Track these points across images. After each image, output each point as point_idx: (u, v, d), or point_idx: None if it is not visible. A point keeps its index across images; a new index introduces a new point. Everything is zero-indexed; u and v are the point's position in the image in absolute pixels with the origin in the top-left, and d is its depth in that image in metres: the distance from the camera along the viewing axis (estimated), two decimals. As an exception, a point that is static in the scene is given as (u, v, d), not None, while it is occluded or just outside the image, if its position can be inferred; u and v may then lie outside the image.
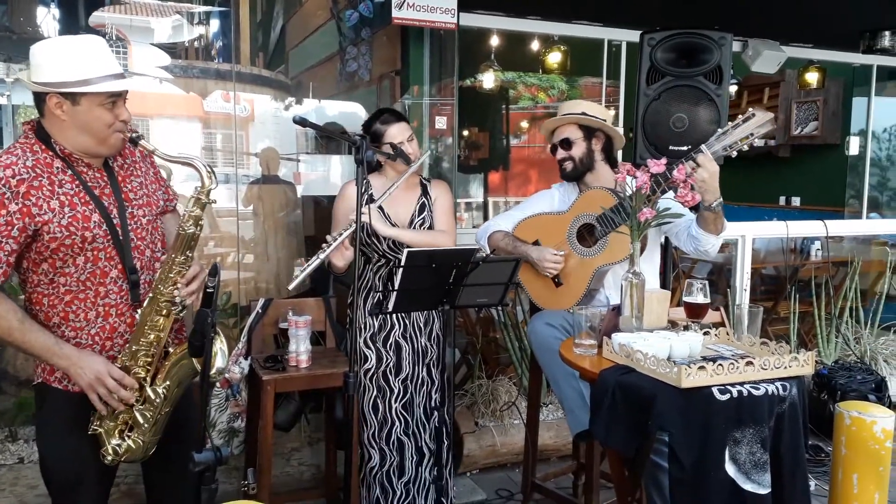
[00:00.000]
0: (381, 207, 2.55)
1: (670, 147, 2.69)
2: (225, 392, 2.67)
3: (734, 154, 2.16)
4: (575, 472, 2.90)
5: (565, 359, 1.98)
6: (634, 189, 1.94)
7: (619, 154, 3.66)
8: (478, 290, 2.22)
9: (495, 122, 6.69)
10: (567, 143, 2.56)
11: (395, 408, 2.57)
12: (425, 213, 2.58)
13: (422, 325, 2.60)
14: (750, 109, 2.14)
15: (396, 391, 2.58)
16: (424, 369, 2.60)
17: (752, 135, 2.11)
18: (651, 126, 2.81)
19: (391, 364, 2.57)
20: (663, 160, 1.98)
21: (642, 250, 2.35)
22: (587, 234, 2.47)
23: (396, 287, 2.11)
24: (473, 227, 7.28)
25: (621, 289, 2.00)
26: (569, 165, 2.56)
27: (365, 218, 2.33)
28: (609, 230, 2.37)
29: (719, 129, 2.16)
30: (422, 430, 2.60)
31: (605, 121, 2.55)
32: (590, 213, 2.44)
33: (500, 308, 3.43)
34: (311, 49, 4.34)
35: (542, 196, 2.75)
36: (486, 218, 7.00)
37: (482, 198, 7.08)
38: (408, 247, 2.43)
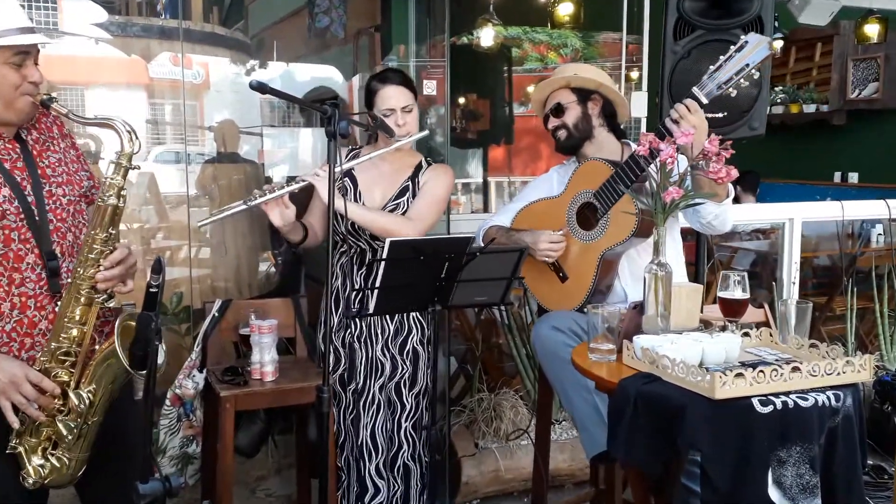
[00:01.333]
0: (352, 179, 2.58)
1: (708, 114, 2.69)
2: (176, 411, 2.67)
3: (733, 92, 2.23)
4: (593, 499, 2.91)
5: (578, 367, 1.98)
6: (658, 164, 1.94)
7: (643, 123, 3.64)
8: (475, 286, 2.22)
9: (496, 87, 6.66)
10: (559, 110, 2.60)
11: (348, 422, 2.61)
12: (404, 198, 2.59)
13: (379, 333, 2.60)
14: (742, 37, 2.19)
15: (346, 402, 2.61)
16: (377, 387, 2.60)
17: (747, 65, 2.15)
18: (679, 89, 2.81)
19: (344, 368, 2.60)
20: (691, 129, 1.97)
21: (646, 232, 2.39)
22: (589, 215, 2.51)
23: (378, 284, 2.11)
24: (472, 211, 7.32)
25: (644, 283, 2.00)
26: (562, 134, 2.60)
27: (317, 180, 2.35)
28: (609, 206, 2.41)
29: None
30: (371, 455, 2.60)
31: (602, 82, 2.58)
32: (588, 189, 2.48)
33: (503, 308, 3.43)
34: (274, 1, 4.32)
35: (539, 182, 2.80)
36: (486, 202, 7.00)
37: (482, 177, 7.07)
38: (366, 229, 2.48)
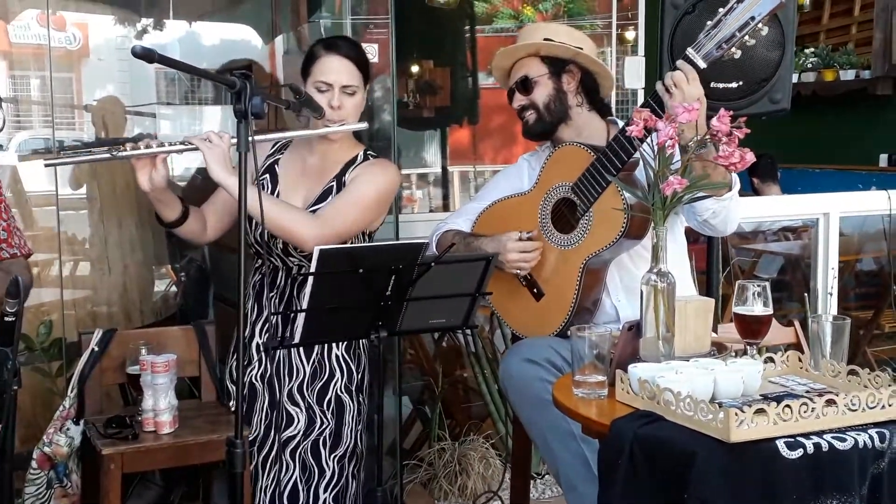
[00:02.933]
0: (272, 176, 2.60)
1: (711, 84, 2.73)
2: (45, 475, 2.62)
3: (736, 53, 2.27)
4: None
5: (560, 406, 1.99)
6: (656, 147, 1.96)
7: (639, 95, 3.69)
8: (431, 306, 2.23)
9: (457, 52, 6.70)
10: (526, 84, 2.63)
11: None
12: (327, 201, 2.56)
13: (290, 374, 2.57)
14: None
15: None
16: (281, 442, 2.55)
17: (752, 19, 2.19)
18: (683, 52, 2.84)
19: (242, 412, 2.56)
20: (696, 104, 2.00)
21: (639, 232, 2.42)
22: (567, 214, 2.54)
23: (304, 305, 2.10)
24: (431, 210, 7.33)
25: (640, 298, 2.01)
26: (531, 115, 2.64)
27: (208, 147, 2.33)
28: (591, 201, 2.44)
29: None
30: None
31: (580, 48, 2.61)
32: (564, 181, 2.51)
33: (468, 333, 3.44)
34: (170, -55, 4.27)
35: (506, 175, 2.83)
36: (447, 197, 7.02)
37: (440, 166, 7.10)
38: (283, 245, 2.50)
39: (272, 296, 2.61)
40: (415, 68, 6.70)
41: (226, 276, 3.50)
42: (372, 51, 3.64)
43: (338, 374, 2.58)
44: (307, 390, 2.57)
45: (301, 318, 2.14)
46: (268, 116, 3.58)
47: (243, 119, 1.94)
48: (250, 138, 1.96)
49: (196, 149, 2.36)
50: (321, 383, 2.57)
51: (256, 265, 2.68)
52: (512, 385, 2.46)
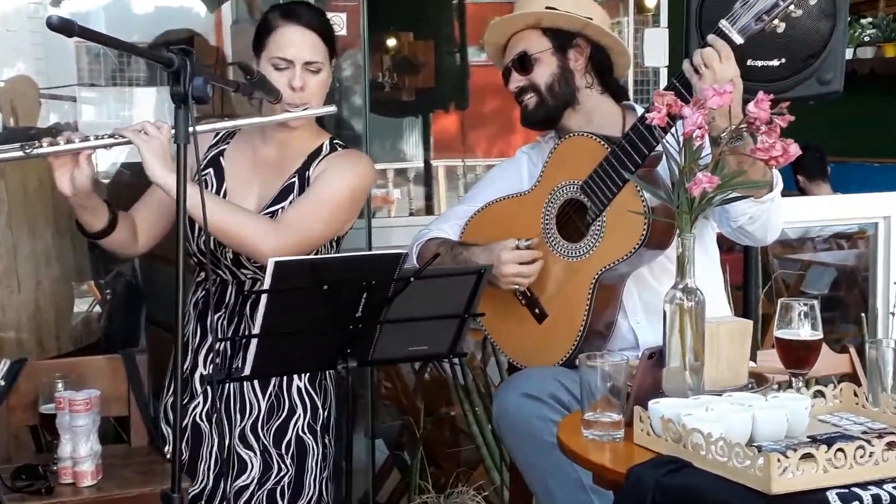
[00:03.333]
0: (217, 170, 2.61)
1: (749, 62, 2.75)
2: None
3: (779, 26, 2.27)
4: None
5: (567, 450, 1.99)
6: (681, 138, 1.96)
7: (662, 76, 3.70)
8: (411, 330, 2.23)
9: (442, 22, 6.72)
10: (524, 62, 2.65)
11: None
12: (285, 203, 2.58)
13: (240, 412, 2.57)
14: None
15: None
16: (234, 492, 2.55)
17: None
18: (714, 24, 2.86)
19: (184, 459, 2.56)
20: (729, 86, 2.01)
21: (662, 241, 2.42)
22: (576, 219, 2.55)
23: (257, 329, 2.10)
24: (411, 213, 7.32)
25: (663, 319, 2.02)
26: (531, 100, 2.65)
27: (128, 134, 2.33)
28: (605, 203, 2.45)
29: None
30: None
31: (589, 18, 2.62)
32: (573, 179, 2.52)
33: (455, 363, 3.44)
34: None
35: (501, 171, 2.86)
36: (431, 198, 7.03)
37: (422, 159, 7.11)
38: (234, 255, 2.51)
39: (219, 317, 2.61)
40: (391, 42, 6.71)
41: (161, 293, 3.49)
42: (339, 21, 3.65)
43: (299, 410, 2.58)
44: (262, 430, 2.56)
45: (253, 344, 2.13)
46: (213, 100, 3.58)
47: (182, 104, 1.93)
48: (191, 128, 1.96)
49: (129, 142, 2.35)
50: (279, 422, 2.57)
51: (199, 279, 2.68)
52: (509, 425, 2.45)
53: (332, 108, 2.60)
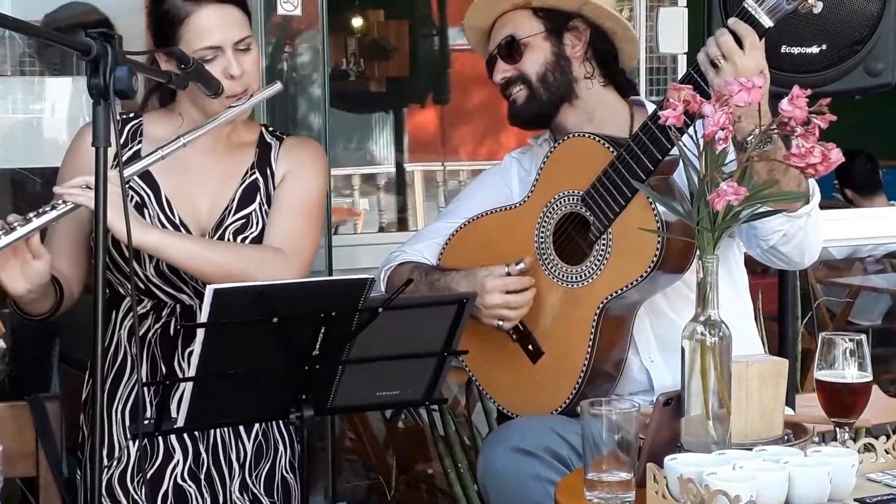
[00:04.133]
0: (149, 182, 2.60)
1: (782, 49, 2.77)
2: None
3: (816, 5, 2.29)
4: None
5: (566, 515, 1.99)
6: (701, 141, 1.97)
7: (680, 63, 3.72)
8: (380, 371, 2.24)
9: (416, 0, 6.73)
10: (512, 48, 2.67)
11: None
12: (253, 207, 2.62)
13: (227, 462, 2.59)
14: None
15: None
16: None
17: None
18: (740, 4, 2.88)
19: None
20: (757, 78, 2.01)
21: (679, 264, 2.43)
22: (576, 236, 2.56)
23: (192, 371, 2.10)
24: (380, 229, 7.29)
25: (681, 358, 2.02)
26: (520, 93, 2.68)
27: (82, 199, 2.32)
28: (611, 217, 2.46)
29: None
30: None
31: None
32: (573, 189, 2.54)
33: (433, 410, 3.43)
34: None
35: (487, 180, 2.88)
36: (405, 211, 7.02)
37: (394, 163, 7.11)
38: (196, 277, 2.51)
39: (191, 351, 2.58)
40: (357, 21, 6.74)
41: (74, 324, 3.47)
42: (293, 1, 3.66)
43: (281, 448, 2.63)
44: (252, 477, 2.60)
45: (187, 389, 2.13)
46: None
47: (102, 100, 1.93)
48: (128, 170, 1.97)
49: (75, 208, 2.34)
50: (268, 465, 2.61)
51: (127, 305, 2.67)
52: (497, 485, 2.45)
53: (278, 86, 2.64)
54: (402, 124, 7.16)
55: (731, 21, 2.32)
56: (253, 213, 2.61)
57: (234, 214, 2.60)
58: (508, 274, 2.55)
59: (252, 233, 2.61)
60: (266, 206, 2.64)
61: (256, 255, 2.54)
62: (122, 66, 1.93)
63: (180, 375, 2.55)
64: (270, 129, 2.76)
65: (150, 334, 2.63)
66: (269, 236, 2.60)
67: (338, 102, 6.20)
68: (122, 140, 2.62)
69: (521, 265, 2.55)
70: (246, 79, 2.56)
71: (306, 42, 4.03)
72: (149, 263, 2.55)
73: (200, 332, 2.08)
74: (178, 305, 2.62)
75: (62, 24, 3.91)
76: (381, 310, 2.15)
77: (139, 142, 2.67)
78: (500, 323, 2.55)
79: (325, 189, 2.70)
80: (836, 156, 1.97)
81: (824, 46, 2.62)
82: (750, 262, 2.75)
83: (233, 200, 2.62)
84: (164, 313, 2.63)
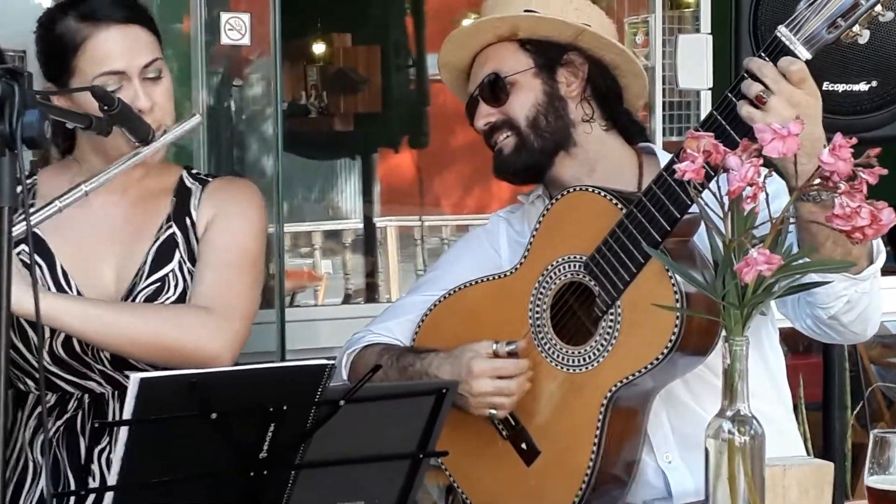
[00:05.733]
0: (38, 243, 2.59)
1: (824, 85, 2.78)
2: None
3: (862, 35, 2.28)
4: None
5: None
6: (726, 200, 1.98)
7: (704, 102, 3.75)
8: (341, 476, 2.23)
9: (390, 21, 6.78)
10: (497, 88, 2.69)
11: None
12: (171, 266, 2.62)
13: None
14: None
15: None
16: None
17: None
18: (774, 27, 2.90)
19: None
20: (794, 124, 2.02)
21: (696, 346, 2.43)
22: (579, 311, 2.56)
23: (113, 478, 2.08)
24: (346, 300, 7.25)
25: (706, 458, 2.02)
26: (507, 142, 2.70)
27: None
28: (620, 288, 2.46)
29: None
30: None
31: (586, 25, 2.66)
32: (572, 254, 2.54)
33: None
34: None
35: (472, 244, 2.90)
36: (373, 273, 7.02)
37: (361, 216, 7.12)
38: (103, 350, 2.52)
39: (101, 450, 2.61)
40: (318, 48, 6.77)
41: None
42: (239, 25, 3.67)
43: None
44: None
45: (108, 499, 2.12)
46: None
47: (7, 150, 1.92)
48: (20, 185, 1.95)
49: None
50: None
51: (33, 401, 2.67)
52: None
53: (196, 118, 2.66)
54: (373, 170, 7.15)
55: (760, 57, 2.31)
56: (170, 274, 2.61)
57: (147, 279, 2.60)
58: (496, 353, 2.55)
59: (169, 297, 2.59)
60: (188, 265, 2.64)
61: (173, 314, 2.53)
62: (32, 110, 1.93)
63: (91, 481, 2.56)
64: (194, 171, 2.76)
65: (53, 433, 2.62)
66: (194, 294, 2.59)
67: (295, 144, 6.22)
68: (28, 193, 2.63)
69: (512, 346, 2.55)
70: (157, 113, 2.57)
71: (257, 72, 4.06)
72: (42, 352, 2.54)
73: (123, 431, 2.06)
74: (85, 396, 2.60)
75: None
76: (342, 402, 2.14)
77: (31, 204, 2.65)
78: (493, 411, 2.55)
79: (262, 234, 2.69)
80: (888, 216, 1.97)
81: (874, 83, 2.63)
82: (789, 338, 2.74)
83: (145, 263, 2.62)
84: (69, 406, 2.62)
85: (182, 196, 2.68)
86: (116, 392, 2.60)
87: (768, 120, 2.20)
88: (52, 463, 2.61)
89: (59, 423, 2.63)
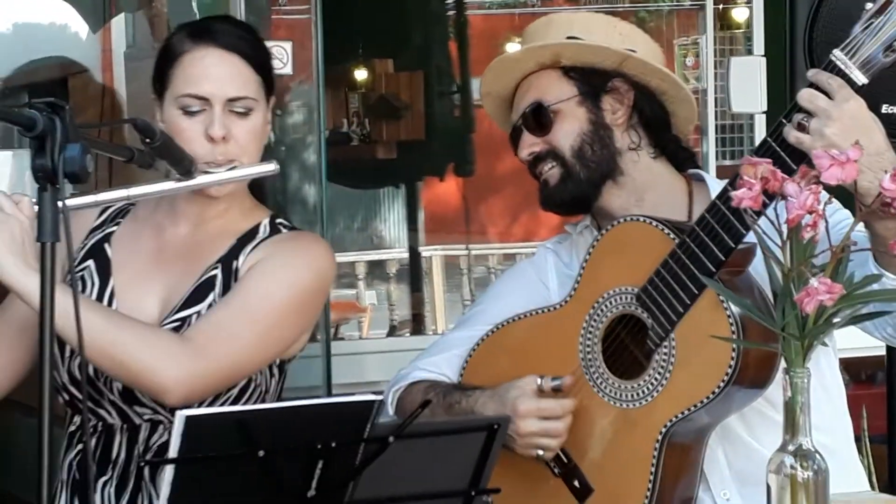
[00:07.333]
0: (100, 260, 2.64)
1: (882, 107, 2.77)
2: None
3: None
4: None
5: None
6: (784, 228, 1.97)
7: (758, 126, 3.74)
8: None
9: (433, 46, 6.79)
10: (540, 117, 2.68)
11: None
12: (202, 305, 2.59)
13: None
14: None
15: None
16: None
17: None
18: (831, 48, 2.90)
19: None
20: (853, 150, 2.01)
21: (753, 379, 2.41)
22: (631, 344, 2.56)
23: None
24: (390, 333, 7.22)
25: (767, 495, 2.01)
26: (553, 173, 2.69)
27: None
28: (673, 320, 2.45)
29: (869, 4, 2.28)
30: None
31: (631, 51, 2.66)
32: (623, 286, 2.53)
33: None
34: None
35: (519, 277, 2.90)
36: (419, 305, 7.00)
37: (406, 246, 7.11)
38: (123, 388, 2.51)
39: (105, 482, 2.60)
40: (360, 74, 6.78)
41: (17, 457, 3.48)
42: (281, 54, 3.68)
43: None
44: None
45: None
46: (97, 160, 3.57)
47: (49, 184, 1.92)
48: (62, 209, 1.95)
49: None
50: None
51: (72, 428, 2.69)
52: None
53: (272, 167, 2.61)
54: (417, 198, 7.14)
55: (819, 76, 2.30)
56: (195, 315, 2.57)
57: (174, 315, 2.58)
58: (541, 388, 2.55)
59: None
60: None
61: (148, 333, 2.49)
62: (74, 144, 1.93)
63: None
64: (279, 220, 2.71)
65: (74, 455, 2.65)
66: (195, 322, 2.56)
67: (337, 173, 6.20)
68: (106, 216, 2.66)
69: (556, 382, 2.55)
70: (231, 147, 2.54)
71: (297, 99, 4.07)
72: (62, 367, 2.54)
73: (168, 469, 2.07)
74: (99, 424, 2.60)
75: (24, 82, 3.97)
76: (391, 439, 2.13)
77: (118, 221, 2.71)
78: (541, 452, 2.54)
79: (304, 289, 2.61)
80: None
81: (937, 103, 2.61)
82: (851, 367, 2.72)
83: (181, 299, 2.60)
84: (84, 434, 2.62)
85: (244, 240, 2.64)
86: (125, 426, 2.59)
87: (816, 145, 2.21)
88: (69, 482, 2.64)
89: (78, 447, 2.64)
